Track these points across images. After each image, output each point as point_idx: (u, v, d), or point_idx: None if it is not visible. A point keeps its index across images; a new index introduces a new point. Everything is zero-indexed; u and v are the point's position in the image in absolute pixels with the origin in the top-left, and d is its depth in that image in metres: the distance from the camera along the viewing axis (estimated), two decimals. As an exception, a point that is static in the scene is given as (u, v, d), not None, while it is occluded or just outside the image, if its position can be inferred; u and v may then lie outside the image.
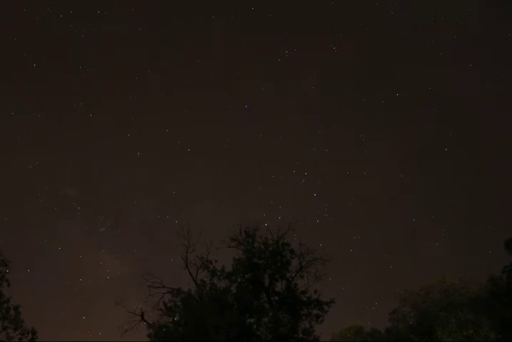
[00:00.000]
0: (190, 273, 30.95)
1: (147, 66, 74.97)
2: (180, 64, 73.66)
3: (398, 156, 72.14)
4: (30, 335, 24.01)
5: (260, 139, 73.80)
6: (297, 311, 30.56)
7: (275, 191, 71.24)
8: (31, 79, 72.03)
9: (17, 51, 70.55)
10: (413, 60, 72.28)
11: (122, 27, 68.95)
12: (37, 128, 74.37)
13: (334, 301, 31.11)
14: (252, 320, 30.33)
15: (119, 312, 29.20)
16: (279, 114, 74.81)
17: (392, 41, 69.50)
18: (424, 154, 71.12)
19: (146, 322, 29.39)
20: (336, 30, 70.17)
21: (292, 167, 70.28)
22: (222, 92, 75.73)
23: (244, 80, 73.05)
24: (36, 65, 70.05)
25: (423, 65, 69.93)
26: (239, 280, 30.93)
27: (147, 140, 76.36)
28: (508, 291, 29.22)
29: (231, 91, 75.15)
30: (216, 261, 31.18)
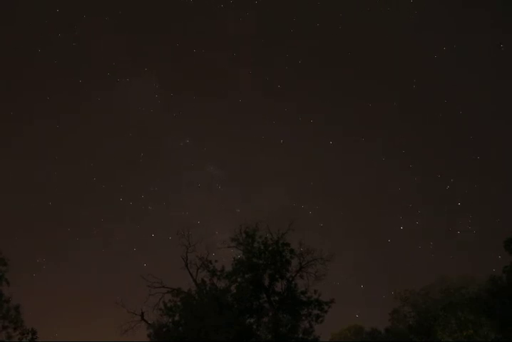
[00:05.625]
0: (190, 273, 30.94)
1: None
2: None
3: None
4: (30, 335, 24.09)
5: (406, 142, 73.09)
6: (297, 311, 30.52)
7: (414, 194, 70.29)
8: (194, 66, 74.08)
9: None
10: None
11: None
12: (189, 109, 76.97)
13: (333, 300, 31.09)
14: (252, 320, 30.29)
15: (119, 312, 29.22)
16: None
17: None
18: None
19: (146, 322, 29.35)
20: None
21: (437, 171, 68.50)
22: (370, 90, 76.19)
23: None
24: (197, 50, 72.15)
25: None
26: (239, 280, 30.87)
27: (292, 128, 77.40)
28: (508, 291, 29.23)
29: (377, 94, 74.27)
30: (216, 261, 31.22)
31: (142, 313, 29.40)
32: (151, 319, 29.32)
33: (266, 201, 75.33)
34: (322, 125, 79.28)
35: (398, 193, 72.49)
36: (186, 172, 76.50)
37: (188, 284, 30.59)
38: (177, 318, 29.05)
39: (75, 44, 76.75)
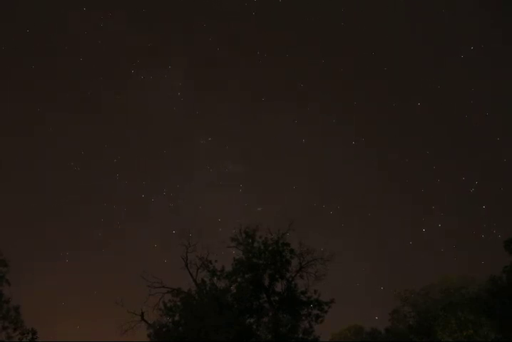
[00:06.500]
0: (189, 273, 30.94)
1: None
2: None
3: None
4: (30, 335, 24.10)
5: (430, 143, 72.26)
6: (297, 311, 30.51)
7: (437, 196, 69.81)
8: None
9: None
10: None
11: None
12: (212, 107, 77.40)
13: (333, 301, 31.07)
14: (252, 320, 30.28)
15: (119, 312, 29.24)
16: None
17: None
18: None
19: (146, 322, 29.34)
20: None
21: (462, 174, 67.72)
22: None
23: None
24: (220, 49, 74.37)
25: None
26: (239, 280, 30.86)
27: (312, 127, 77.35)
28: (508, 291, 29.23)
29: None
30: (216, 261, 31.21)
31: (142, 313, 29.39)
32: (151, 319, 29.34)
33: (287, 200, 75.64)
34: (345, 125, 79.45)
35: (420, 195, 72.36)
36: (207, 170, 77.22)
37: (188, 284, 30.63)
38: (177, 318, 29.04)
39: (100, 42, 77.31)
